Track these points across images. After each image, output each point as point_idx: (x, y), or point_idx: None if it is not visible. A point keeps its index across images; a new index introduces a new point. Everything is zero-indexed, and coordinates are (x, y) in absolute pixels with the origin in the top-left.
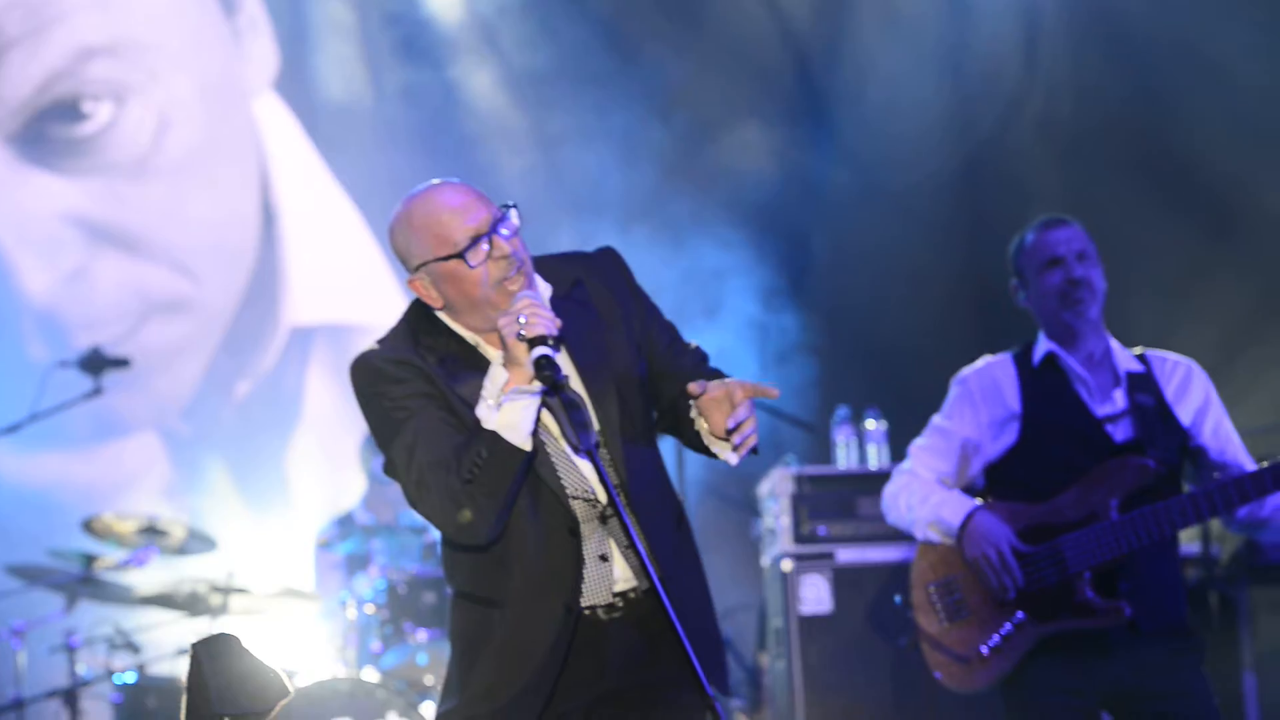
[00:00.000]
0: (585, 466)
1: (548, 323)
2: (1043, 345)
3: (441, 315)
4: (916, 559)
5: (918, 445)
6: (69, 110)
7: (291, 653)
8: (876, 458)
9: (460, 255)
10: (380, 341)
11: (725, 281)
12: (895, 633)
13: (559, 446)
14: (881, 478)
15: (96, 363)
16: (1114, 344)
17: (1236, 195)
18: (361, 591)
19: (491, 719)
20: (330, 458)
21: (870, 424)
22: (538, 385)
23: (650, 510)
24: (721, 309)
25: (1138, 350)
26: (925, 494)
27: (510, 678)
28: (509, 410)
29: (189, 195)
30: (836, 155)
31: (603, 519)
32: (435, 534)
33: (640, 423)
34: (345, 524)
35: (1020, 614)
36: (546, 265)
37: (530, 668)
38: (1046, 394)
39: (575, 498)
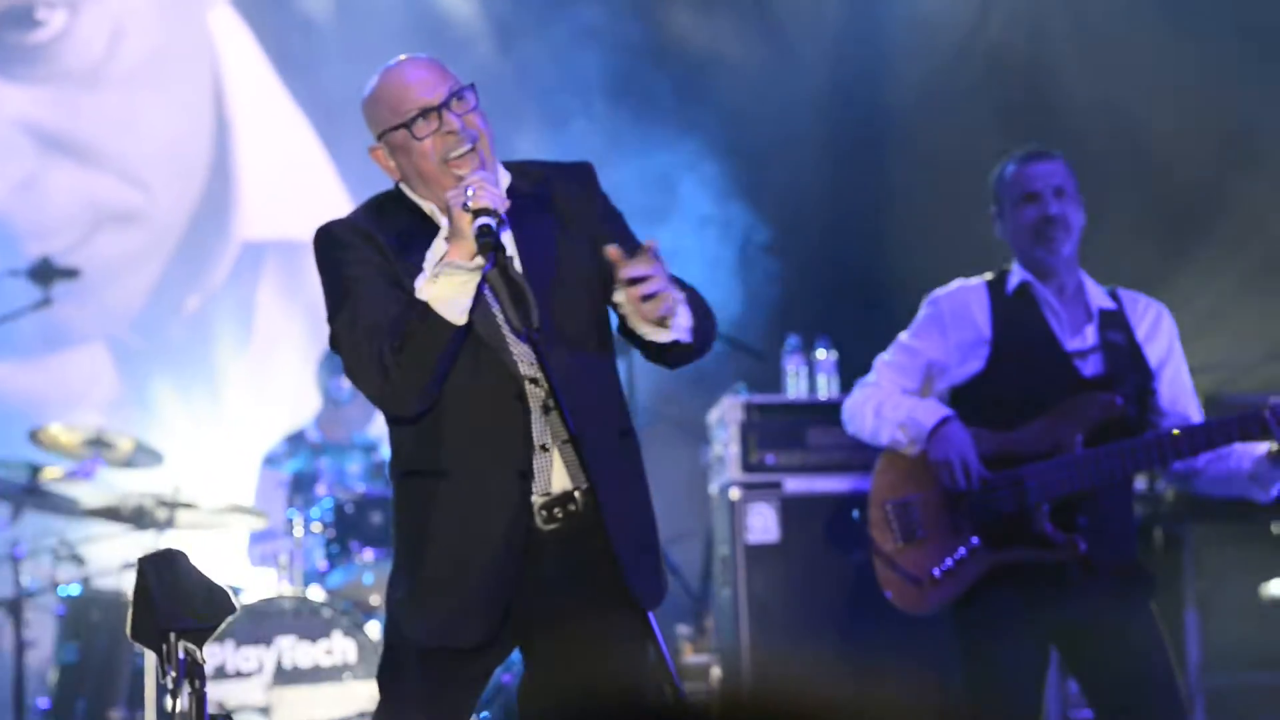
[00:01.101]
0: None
1: (495, 197)
2: (1017, 274)
3: (406, 190)
4: (875, 476)
5: (883, 361)
6: (22, 17)
7: (237, 570)
8: (826, 388)
9: (408, 125)
10: (349, 214)
11: (677, 190)
12: (849, 547)
13: (509, 322)
14: (831, 407)
15: (46, 272)
16: (1087, 280)
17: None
18: (309, 509)
19: (459, 612)
20: (280, 374)
21: (821, 354)
22: (479, 262)
23: (590, 414)
24: (673, 213)
25: (1109, 287)
26: (896, 400)
27: (471, 561)
28: (444, 283)
29: (142, 106)
30: (797, 79)
31: (545, 409)
32: (384, 453)
33: (586, 328)
34: (295, 441)
35: (975, 539)
36: (516, 164)
37: (489, 551)
38: (1018, 323)
39: (524, 376)
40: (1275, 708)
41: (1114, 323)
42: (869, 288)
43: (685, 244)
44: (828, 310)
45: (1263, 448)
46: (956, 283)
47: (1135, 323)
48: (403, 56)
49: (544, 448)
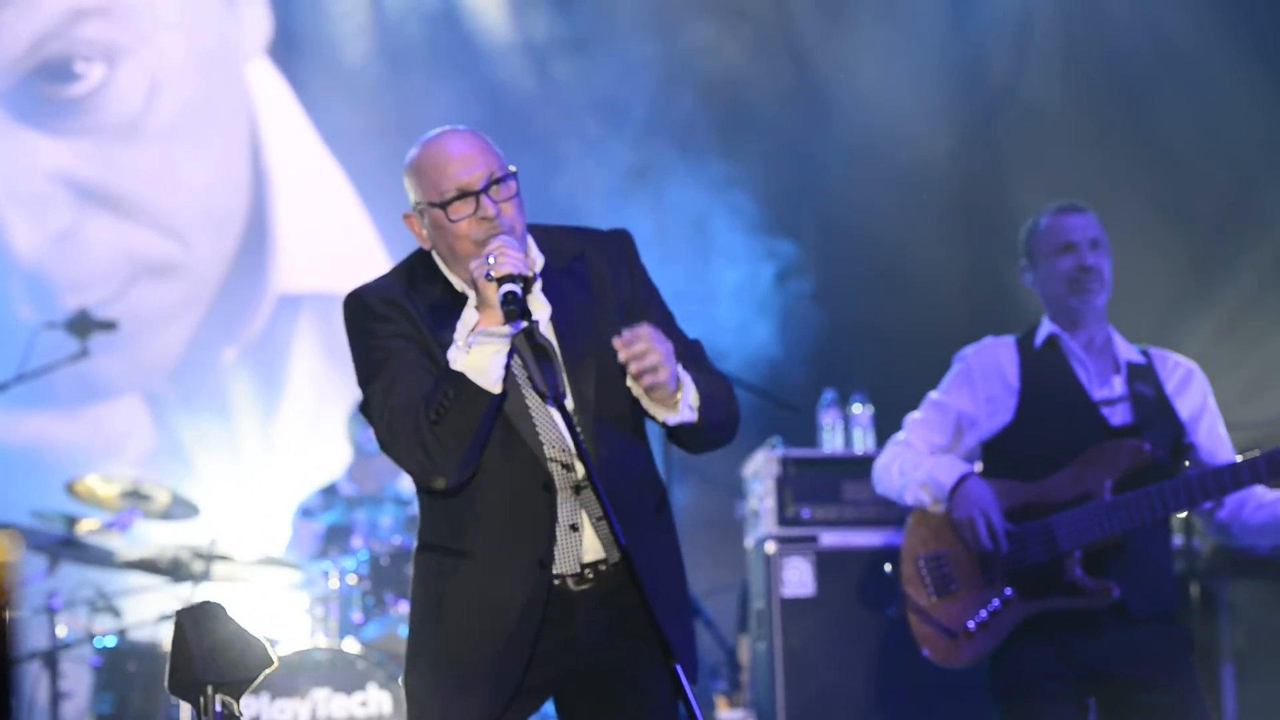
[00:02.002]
0: (564, 425)
1: (517, 262)
2: (1045, 327)
3: (437, 261)
4: (907, 534)
5: (913, 419)
6: (61, 70)
7: (273, 622)
8: (862, 441)
9: (443, 205)
10: (376, 280)
11: (716, 239)
12: (883, 603)
13: (539, 403)
14: (867, 462)
15: (84, 325)
16: (1116, 335)
17: (1227, 191)
18: (344, 562)
19: (469, 684)
20: (315, 427)
21: (856, 408)
22: (509, 329)
23: (624, 491)
24: (711, 260)
25: (1140, 345)
26: (919, 460)
27: (480, 642)
28: (477, 352)
29: (179, 159)
30: (830, 134)
31: (576, 489)
32: (418, 507)
33: (620, 406)
34: (329, 494)
35: (1009, 590)
36: (551, 235)
37: (503, 629)
38: (1045, 374)
39: (552, 460)
40: None
41: (1143, 375)
42: (908, 342)
43: (722, 293)
44: (865, 364)
45: None
46: (987, 339)
47: (1165, 377)
48: (446, 127)
49: (574, 527)
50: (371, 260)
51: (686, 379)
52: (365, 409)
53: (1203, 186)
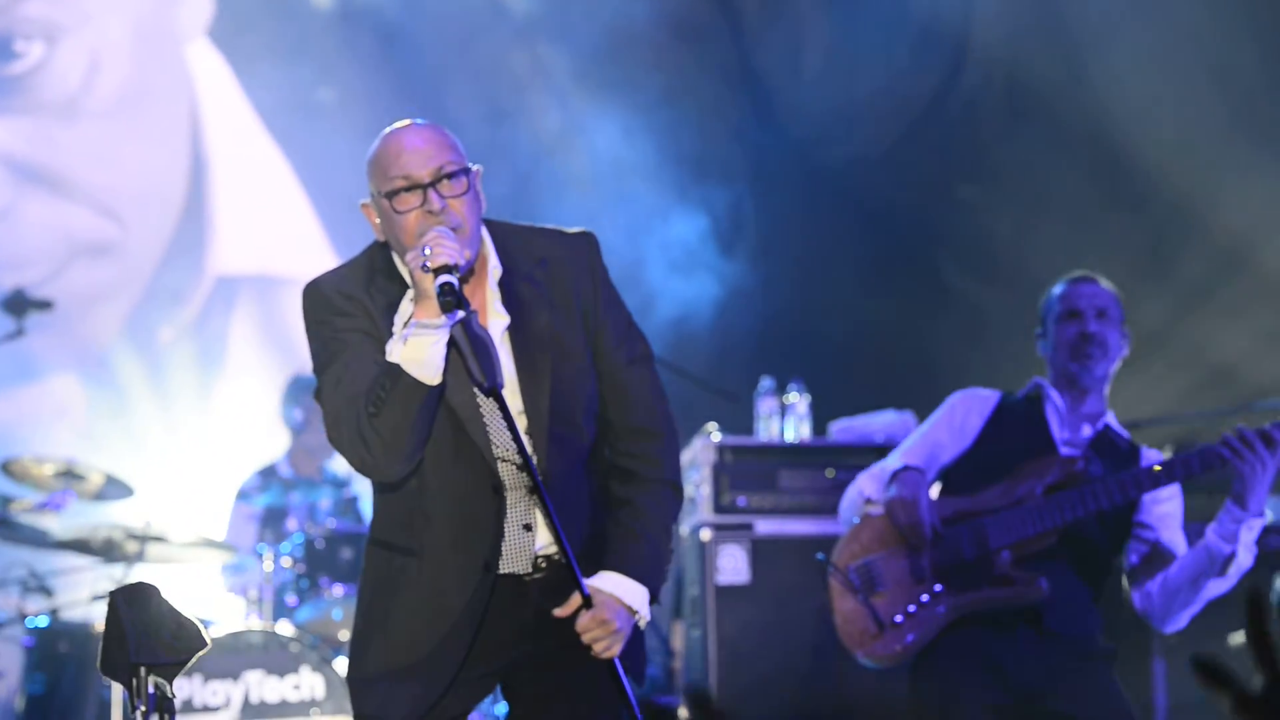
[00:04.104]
0: (516, 425)
1: (453, 252)
2: (1034, 380)
3: (394, 258)
4: (839, 549)
5: (895, 450)
6: (1, 48)
7: (206, 604)
8: (798, 431)
9: (390, 195)
10: (336, 271)
11: (658, 230)
12: (818, 592)
13: (491, 405)
14: (803, 450)
15: (19, 304)
16: (1111, 416)
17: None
18: (279, 544)
19: (408, 674)
20: (253, 409)
21: (793, 397)
22: (444, 320)
23: (575, 497)
24: (652, 252)
25: (1134, 438)
26: (877, 468)
27: (425, 634)
28: (414, 344)
29: (118, 138)
30: (770, 125)
31: (530, 489)
32: (354, 489)
33: (575, 415)
34: (266, 476)
35: (938, 586)
36: (515, 235)
37: (446, 623)
38: (1017, 414)
39: (502, 460)
40: None
41: (1120, 443)
42: (844, 333)
43: (662, 284)
44: (802, 353)
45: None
46: (978, 388)
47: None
48: (407, 122)
49: (527, 527)
50: (310, 244)
51: (640, 602)
52: (317, 396)
53: (1150, 169)
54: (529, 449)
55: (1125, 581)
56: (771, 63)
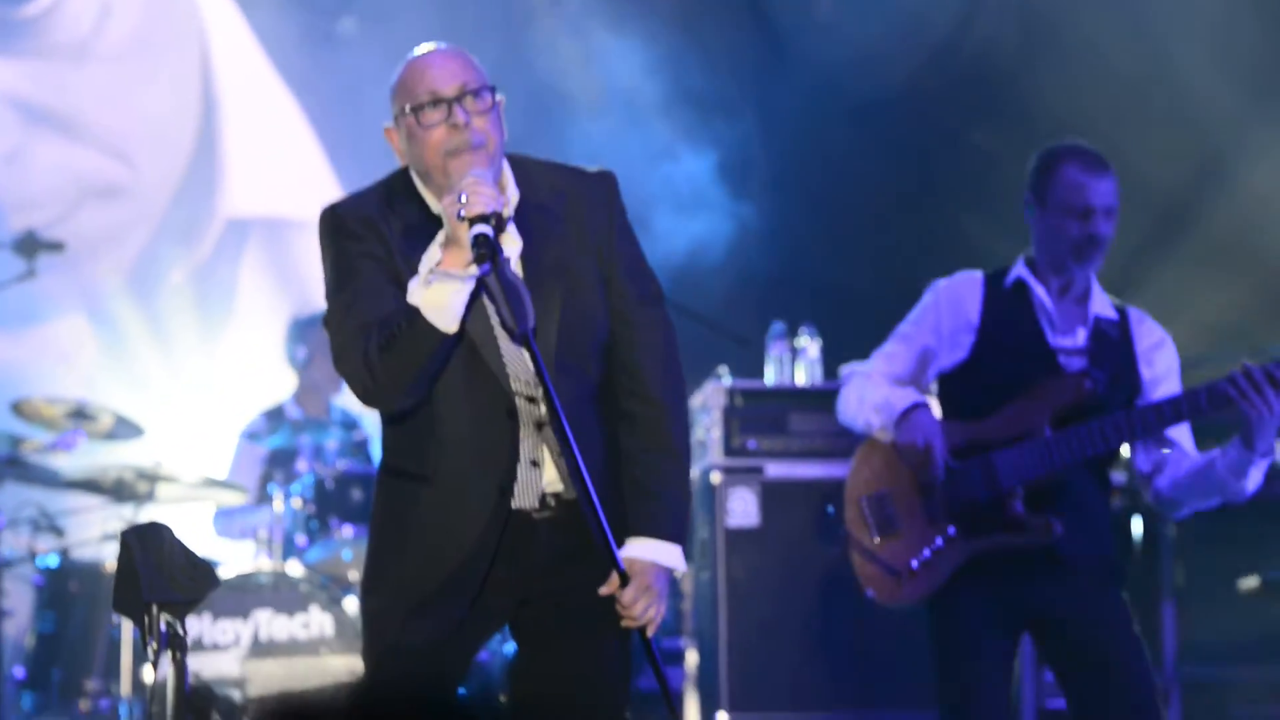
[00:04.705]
0: (529, 359)
1: (490, 200)
2: (1016, 269)
3: (416, 181)
4: (851, 474)
5: (880, 350)
6: None
7: (216, 544)
8: (809, 374)
9: (416, 110)
10: (355, 194)
11: (671, 171)
12: (827, 541)
13: (506, 335)
14: (814, 394)
15: (30, 245)
16: (1096, 289)
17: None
18: (289, 485)
19: (423, 604)
20: (262, 351)
21: (804, 340)
22: (473, 270)
23: (582, 431)
24: (666, 194)
25: (1119, 301)
26: (878, 385)
27: (440, 563)
28: (437, 289)
29: (129, 81)
30: (782, 65)
31: (538, 425)
32: (364, 430)
33: (582, 348)
34: (274, 417)
35: (952, 529)
36: (533, 168)
37: (460, 554)
38: (1007, 315)
39: (515, 392)
40: (1250, 700)
41: (1112, 330)
42: (858, 276)
43: (675, 225)
44: (815, 297)
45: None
46: (960, 273)
47: (1137, 337)
48: (432, 45)
49: (534, 463)
50: (321, 186)
51: (676, 559)
52: (326, 321)
53: (1166, 132)
54: (536, 381)
55: (1132, 473)
56: (784, 2)
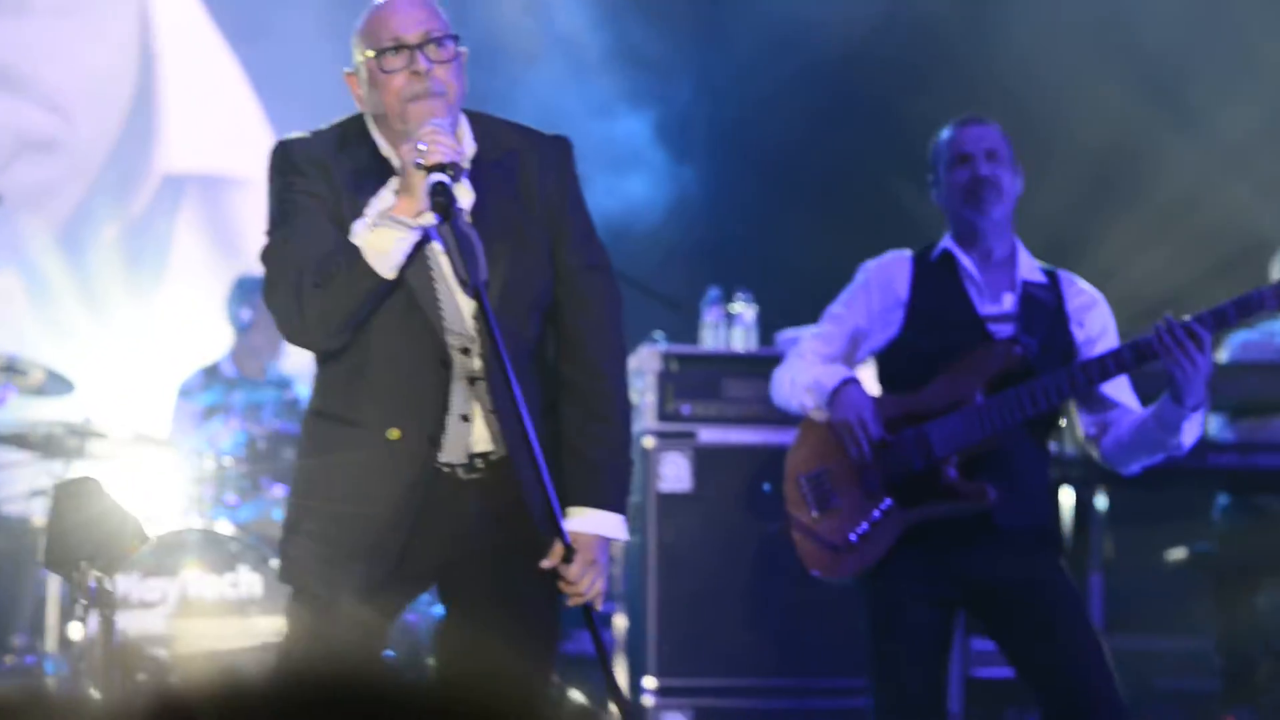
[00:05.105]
0: (466, 312)
1: (449, 150)
2: (943, 243)
3: (370, 127)
4: (790, 454)
5: (812, 331)
6: None
7: (146, 500)
8: (744, 340)
9: (379, 55)
10: (311, 133)
11: (607, 133)
12: (766, 518)
13: (447, 285)
14: (749, 360)
15: None
16: (1022, 252)
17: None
18: (220, 443)
19: (349, 554)
20: (197, 307)
21: (740, 306)
22: (422, 220)
23: (522, 390)
24: (602, 155)
25: (1048, 265)
26: (809, 365)
27: (366, 512)
28: (382, 234)
29: (67, 35)
30: (723, 29)
31: (471, 380)
32: (297, 391)
33: (523, 306)
34: (210, 374)
35: (888, 501)
36: (489, 124)
37: (387, 504)
38: (935, 289)
39: (449, 344)
40: (1176, 671)
41: (1041, 294)
42: (794, 242)
43: (611, 185)
44: (750, 263)
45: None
46: (889, 252)
47: (1067, 298)
48: None
49: (465, 417)
50: (258, 144)
51: (618, 529)
52: (263, 255)
53: (1115, 96)
54: (476, 337)
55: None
56: None
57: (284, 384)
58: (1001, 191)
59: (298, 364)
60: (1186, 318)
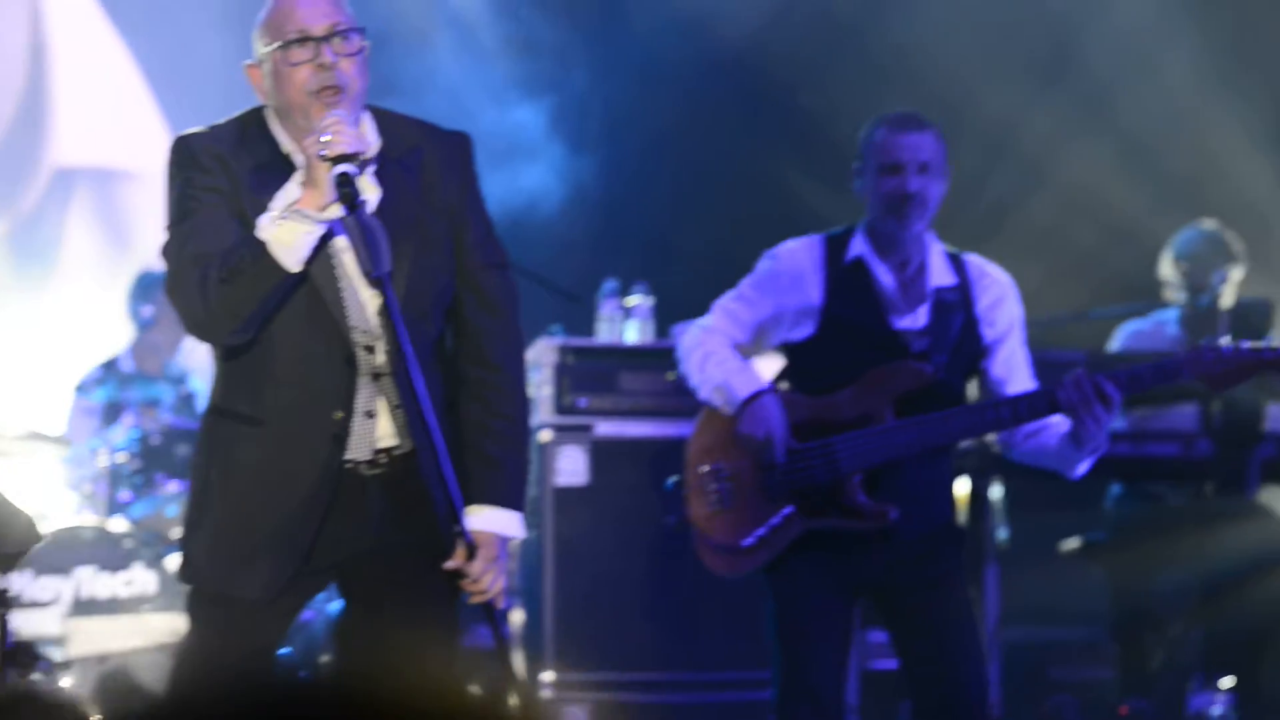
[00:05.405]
0: (371, 308)
1: (352, 140)
2: (858, 244)
3: (270, 120)
4: (692, 439)
5: (723, 305)
6: None
7: (39, 498)
8: (641, 333)
9: (283, 47)
10: (209, 128)
11: (503, 126)
12: (665, 510)
13: (350, 282)
14: (645, 353)
15: None
16: (933, 256)
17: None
18: (114, 439)
19: (252, 553)
20: (91, 303)
21: (636, 299)
22: (329, 214)
23: (420, 386)
24: (498, 148)
25: (955, 251)
26: (722, 359)
27: (268, 512)
28: (287, 228)
29: None
30: (618, 19)
31: (375, 375)
32: (192, 386)
33: (432, 299)
34: (108, 369)
35: (789, 508)
36: (391, 120)
37: (291, 501)
38: (849, 297)
39: (356, 343)
40: (1069, 662)
41: (952, 298)
42: (690, 235)
43: (507, 176)
44: (646, 255)
45: (1066, 427)
46: (800, 242)
47: (977, 296)
48: None
49: (369, 414)
50: (151, 137)
51: (516, 527)
52: (164, 251)
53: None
54: (380, 333)
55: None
56: None
57: (179, 379)
58: (927, 206)
59: (193, 360)
60: (1099, 375)
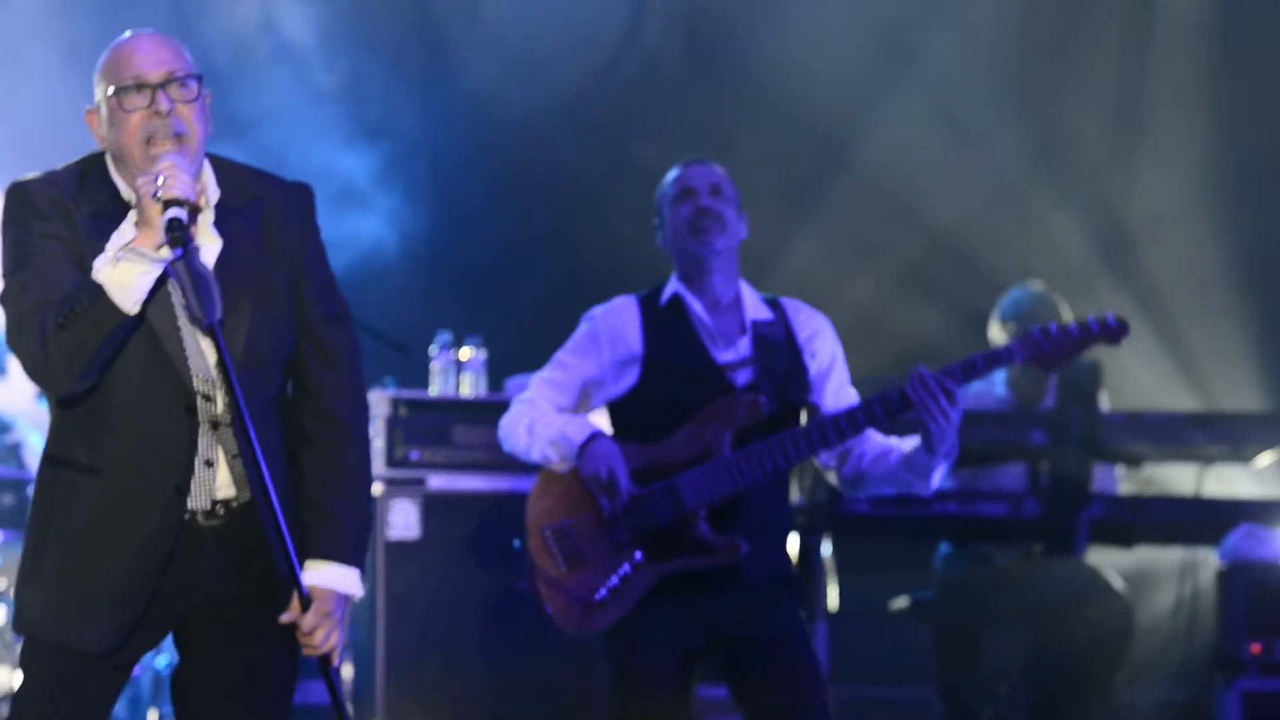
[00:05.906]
0: (211, 355)
1: (186, 186)
2: (671, 286)
3: (110, 167)
4: (531, 502)
5: (540, 377)
6: None
7: None
8: (474, 385)
9: (119, 93)
10: (46, 174)
11: (339, 175)
12: (514, 575)
13: (190, 329)
14: (478, 406)
15: None
16: (745, 292)
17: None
18: None
19: (87, 610)
20: None
21: (470, 352)
22: (164, 254)
23: (259, 439)
24: (332, 197)
25: (770, 295)
26: (550, 418)
27: (108, 564)
28: (123, 269)
29: None
30: (448, 71)
31: (214, 424)
32: (19, 435)
33: (266, 357)
34: None
35: (639, 554)
36: (232, 171)
37: (131, 554)
38: (669, 337)
39: (197, 390)
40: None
41: (771, 332)
42: (523, 288)
43: (339, 224)
44: (480, 308)
45: (915, 441)
46: (616, 300)
47: (796, 328)
48: (144, 30)
49: (208, 463)
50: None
51: (355, 585)
52: (2, 300)
53: (803, 120)
54: (219, 382)
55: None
56: (450, 7)
57: (4, 427)
58: (725, 224)
59: (14, 406)
60: (936, 370)
